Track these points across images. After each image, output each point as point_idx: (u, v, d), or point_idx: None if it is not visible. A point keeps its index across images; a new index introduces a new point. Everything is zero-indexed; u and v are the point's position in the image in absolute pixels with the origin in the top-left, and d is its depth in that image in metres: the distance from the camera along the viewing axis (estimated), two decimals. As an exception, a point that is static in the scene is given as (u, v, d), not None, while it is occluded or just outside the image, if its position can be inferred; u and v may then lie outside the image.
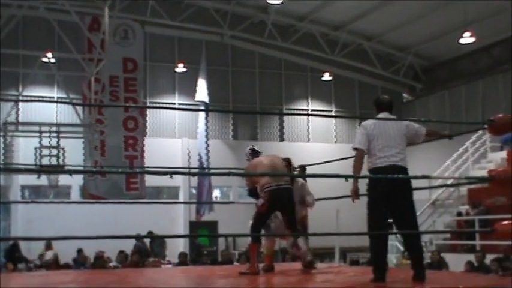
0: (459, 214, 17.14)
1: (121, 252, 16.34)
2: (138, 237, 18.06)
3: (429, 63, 27.10)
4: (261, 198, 7.20)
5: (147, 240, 19.29)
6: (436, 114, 25.67)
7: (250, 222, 7.27)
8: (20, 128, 14.93)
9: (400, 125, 6.17)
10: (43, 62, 16.14)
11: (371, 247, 6.03)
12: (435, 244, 17.14)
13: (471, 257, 13.46)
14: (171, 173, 7.02)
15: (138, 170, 15.35)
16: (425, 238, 17.69)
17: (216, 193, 25.47)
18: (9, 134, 13.88)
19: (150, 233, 18.68)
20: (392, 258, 17.99)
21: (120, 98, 15.89)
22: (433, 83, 27.02)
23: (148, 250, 18.38)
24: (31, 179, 18.83)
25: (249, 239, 7.73)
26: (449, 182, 16.28)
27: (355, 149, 6.05)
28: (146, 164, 16.42)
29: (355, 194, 6.04)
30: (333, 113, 27.17)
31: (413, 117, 27.60)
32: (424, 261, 14.05)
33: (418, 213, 19.14)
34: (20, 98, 20.18)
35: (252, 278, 6.90)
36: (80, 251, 16.94)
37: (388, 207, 5.93)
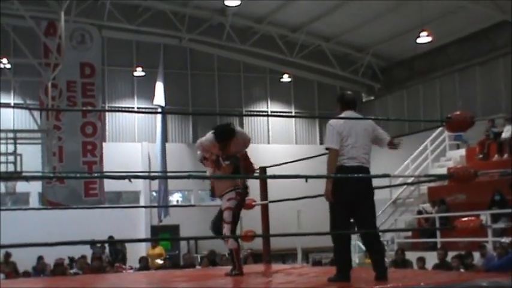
0: (419, 212, 17.33)
1: (82, 257, 16.15)
2: (98, 242, 17.88)
3: (387, 63, 27.38)
4: (232, 200, 7.12)
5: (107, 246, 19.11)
6: (395, 113, 25.95)
7: (224, 226, 7.10)
8: (-23, 135, 14.66)
9: (368, 126, 6.10)
10: (-2, 68, 15.89)
11: (335, 247, 5.99)
12: (397, 243, 17.31)
13: (433, 255, 13.61)
14: (129, 177, 6.94)
15: (96, 174, 15.18)
16: (387, 237, 17.85)
17: (177, 197, 25.36)
18: (-35, 141, 13.62)
19: (111, 238, 18.50)
20: (355, 258, 18.11)
21: (77, 103, 15.71)
22: (391, 83, 27.31)
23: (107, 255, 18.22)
24: (-12, 187, 18.53)
25: (211, 242, 7.70)
26: (409, 180, 16.47)
27: (328, 148, 5.93)
28: (106, 169, 16.27)
29: (329, 194, 5.86)
30: (293, 114, 27.29)
31: (372, 116, 27.87)
32: (387, 260, 14.19)
33: (379, 213, 19.41)
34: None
35: (235, 279, 6.85)
36: (40, 258, 16.69)
37: (352, 208, 5.89)
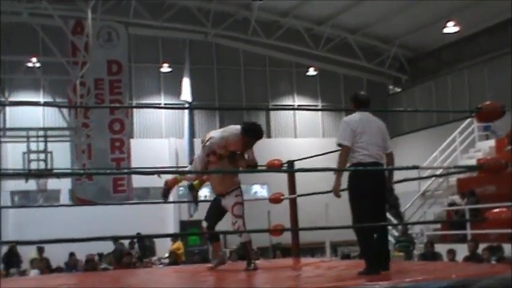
0: (450, 205, 17.19)
1: (111, 253, 16.29)
2: (129, 238, 18.03)
3: (414, 54, 27.17)
4: (239, 196, 7.20)
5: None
6: (423, 104, 25.74)
7: (237, 221, 7.17)
8: (8, 133, 14.85)
9: (381, 125, 6.26)
10: (28, 67, 16.07)
11: (361, 241, 6.07)
12: (426, 235, 17.21)
13: (463, 247, 13.51)
14: (158, 173, 7.04)
15: (125, 170, 15.30)
16: (415, 230, 17.75)
17: (205, 192, 25.44)
18: (-3, 140, 13.84)
19: (138, 234, 18.68)
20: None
21: (105, 101, 15.81)
22: (418, 74, 27.10)
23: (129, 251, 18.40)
24: (20, 185, 18.78)
25: (238, 238, 7.73)
26: (438, 172, 16.34)
27: (340, 145, 6.02)
28: (133, 165, 16.35)
29: (336, 192, 6.04)
30: (319, 108, 27.21)
31: (400, 108, 27.71)
32: (416, 252, 14.13)
33: (408, 205, 19.25)
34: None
35: (249, 274, 6.89)
36: (71, 254, 16.90)
37: (372, 201, 5.98)
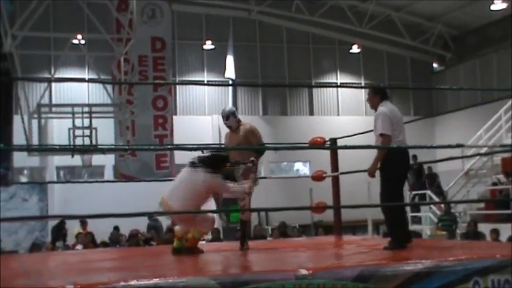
0: (495, 184, 17.00)
1: (152, 229, 16.50)
2: (171, 213, 18.18)
3: (459, 31, 26.75)
4: (251, 174, 7.52)
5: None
6: (467, 82, 25.41)
7: (245, 197, 7.39)
8: (54, 109, 15.07)
9: (401, 115, 6.92)
10: (73, 43, 16.27)
11: (397, 218, 6.55)
12: (469, 214, 17.07)
13: (507, 227, 13.38)
14: (202, 149, 7.12)
15: (170, 146, 15.43)
16: (458, 208, 17.62)
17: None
18: (43, 116, 14.03)
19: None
20: (427, 230, 17.98)
21: (149, 77, 15.89)
22: (463, 52, 26.69)
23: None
24: (66, 160, 19.10)
25: (282, 214, 7.82)
26: (482, 151, 16.15)
27: (383, 134, 6.53)
28: (176, 142, 16.48)
29: (371, 173, 6.63)
30: (362, 85, 27.05)
31: (445, 86, 27.37)
32: (458, 231, 14.12)
33: (451, 184, 19.11)
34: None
35: (290, 252, 6.94)
36: (115, 228, 17.18)
37: (402, 183, 6.72)
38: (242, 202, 7.34)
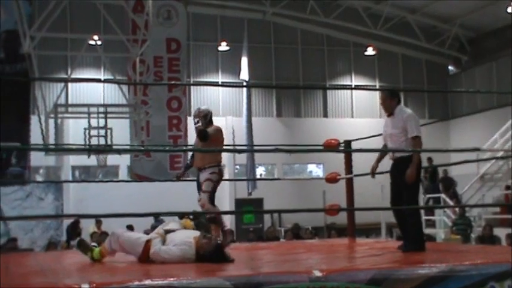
0: (508, 187, 16.93)
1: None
2: (187, 214, 18.21)
3: (475, 34, 26.63)
4: (215, 174, 7.49)
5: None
6: (483, 86, 25.28)
7: (202, 196, 7.51)
8: (70, 109, 15.17)
9: None
10: (90, 44, 16.37)
11: (416, 220, 6.56)
12: (484, 218, 16.99)
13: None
14: (215, 151, 7.14)
15: (184, 147, 15.48)
16: (473, 213, 17.54)
17: (261, 170, 25.58)
18: (60, 115, 14.12)
19: (194, 211, 18.92)
20: (441, 233, 17.91)
21: (164, 78, 15.97)
22: (479, 54, 26.58)
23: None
24: (81, 160, 19.25)
25: (295, 216, 7.82)
26: (498, 154, 16.08)
27: (417, 137, 6.54)
28: (190, 143, 16.55)
29: (412, 177, 6.47)
30: (377, 88, 26.98)
31: (460, 89, 27.26)
32: (473, 235, 14.04)
33: (466, 187, 19.01)
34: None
35: (299, 253, 6.95)
36: (129, 227, 17.24)
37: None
38: (200, 202, 7.45)
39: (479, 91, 28.40)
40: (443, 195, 18.72)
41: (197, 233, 6.10)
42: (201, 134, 7.43)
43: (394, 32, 26.02)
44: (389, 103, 6.79)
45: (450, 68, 28.19)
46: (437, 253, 6.46)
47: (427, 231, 18.32)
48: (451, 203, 18.23)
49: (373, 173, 7.06)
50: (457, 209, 17.20)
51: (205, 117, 7.77)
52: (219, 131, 7.73)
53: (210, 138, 7.45)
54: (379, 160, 7.11)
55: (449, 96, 27.82)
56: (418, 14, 25.53)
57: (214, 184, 7.52)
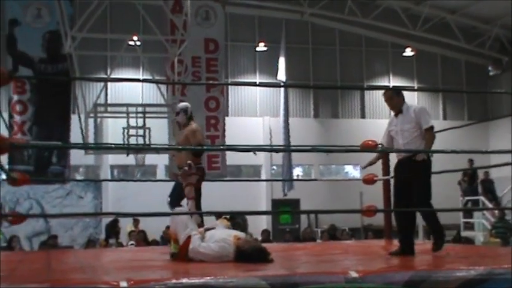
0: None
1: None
2: (223, 214, 18.28)
3: (516, 35, 26.25)
4: (193, 175, 7.38)
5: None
6: (524, 87, 24.95)
7: (189, 202, 7.40)
8: (109, 109, 15.37)
9: None
10: (129, 45, 16.56)
11: (434, 221, 6.69)
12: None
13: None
14: (255, 150, 7.18)
15: (222, 147, 15.56)
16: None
17: (298, 171, 25.56)
18: (99, 115, 14.33)
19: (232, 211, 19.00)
20: (480, 236, 17.70)
21: (201, 78, 16.06)
22: (520, 56, 26.19)
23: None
24: (120, 159, 19.48)
25: (331, 217, 7.80)
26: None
27: (432, 127, 6.59)
28: (227, 143, 16.61)
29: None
30: (415, 88, 26.77)
31: (500, 90, 26.90)
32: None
33: (505, 190, 18.75)
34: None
35: (338, 253, 6.94)
36: (168, 227, 17.39)
37: None
38: (188, 206, 7.36)
39: (519, 92, 27.98)
40: (482, 198, 18.49)
41: (236, 232, 6.13)
42: (197, 154, 7.55)
43: (433, 33, 25.77)
44: (397, 101, 6.79)
45: (490, 69, 27.81)
46: (475, 256, 6.41)
47: (465, 233, 18.14)
48: (490, 205, 17.99)
49: (368, 165, 7.26)
50: (496, 212, 16.98)
51: (186, 112, 7.79)
52: (198, 131, 7.78)
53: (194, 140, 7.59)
54: (378, 158, 7.41)
55: (489, 97, 27.47)
56: (458, 15, 25.24)
57: (195, 186, 7.45)
